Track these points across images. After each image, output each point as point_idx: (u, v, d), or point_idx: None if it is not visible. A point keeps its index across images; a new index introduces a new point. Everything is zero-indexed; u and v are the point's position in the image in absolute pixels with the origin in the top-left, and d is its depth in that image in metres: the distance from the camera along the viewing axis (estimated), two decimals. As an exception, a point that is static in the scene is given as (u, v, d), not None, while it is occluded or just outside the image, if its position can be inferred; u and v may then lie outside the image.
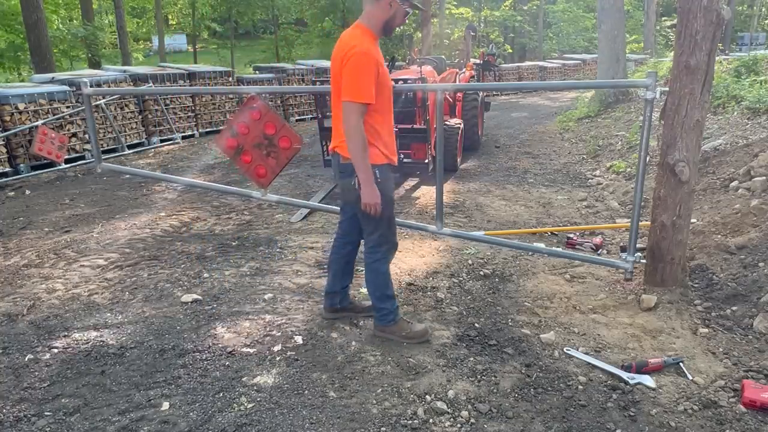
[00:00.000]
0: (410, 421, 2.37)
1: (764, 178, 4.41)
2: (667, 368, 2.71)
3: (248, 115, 3.83)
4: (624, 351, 2.90)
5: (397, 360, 2.83)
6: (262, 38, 33.58)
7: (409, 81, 6.04)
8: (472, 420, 2.38)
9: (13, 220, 5.63)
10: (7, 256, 4.52)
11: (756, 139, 5.67)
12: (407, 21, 2.89)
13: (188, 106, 10.88)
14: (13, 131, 7.51)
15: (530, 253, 4.29)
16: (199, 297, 3.61)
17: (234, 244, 4.69)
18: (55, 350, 3.00)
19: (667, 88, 3.27)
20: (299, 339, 3.05)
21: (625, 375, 2.64)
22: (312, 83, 12.12)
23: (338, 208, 4.45)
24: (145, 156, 9.39)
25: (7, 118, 7.56)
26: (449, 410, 2.44)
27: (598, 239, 4.43)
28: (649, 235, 3.51)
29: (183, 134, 10.66)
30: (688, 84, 3.13)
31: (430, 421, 2.37)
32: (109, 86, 9.22)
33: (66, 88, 8.43)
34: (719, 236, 3.87)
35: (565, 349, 2.91)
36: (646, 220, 3.96)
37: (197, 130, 11.11)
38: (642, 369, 2.67)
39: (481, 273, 3.94)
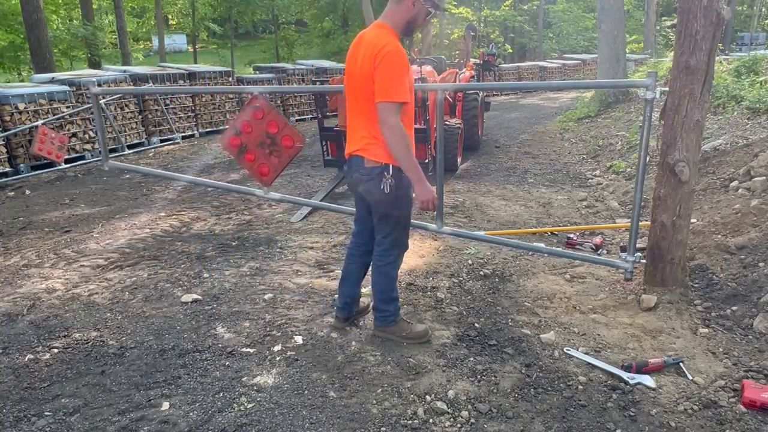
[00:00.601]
0: (410, 421, 2.37)
1: (764, 178, 4.41)
2: (667, 368, 2.71)
3: (251, 114, 3.86)
4: (624, 351, 2.90)
5: (397, 360, 2.83)
6: (262, 38, 33.60)
7: None
8: (472, 420, 2.38)
9: (13, 220, 5.63)
10: (7, 256, 4.52)
11: (756, 139, 5.67)
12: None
13: (188, 106, 10.88)
14: (13, 131, 7.51)
15: (530, 253, 4.30)
16: (199, 297, 3.61)
17: (234, 244, 4.70)
18: (55, 350, 3.00)
19: (667, 88, 3.27)
20: (299, 339, 3.05)
21: (625, 375, 2.64)
22: (312, 83, 12.12)
23: (339, 207, 4.45)
24: (145, 156, 9.39)
25: (7, 118, 7.56)
26: (449, 410, 2.44)
27: (598, 239, 4.43)
28: (649, 235, 3.51)
29: (183, 134, 10.67)
30: (688, 84, 3.13)
31: (430, 421, 2.37)
32: (110, 86, 9.22)
33: (66, 88, 8.43)
34: (719, 236, 3.87)
35: (565, 349, 2.91)
36: (646, 220, 3.96)
37: (197, 130, 11.12)
38: (642, 369, 2.67)
39: (481, 273, 3.94)
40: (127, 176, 7.72)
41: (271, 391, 2.59)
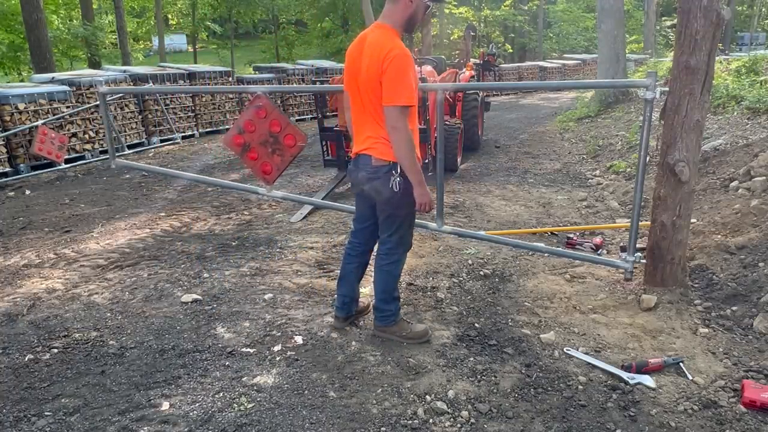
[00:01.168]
0: (410, 421, 2.37)
1: (764, 178, 4.41)
2: (667, 368, 2.71)
3: (254, 113, 3.90)
4: (624, 351, 2.90)
5: (397, 360, 2.83)
6: (262, 38, 33.58)
7: None
8: (472, 420, 2.38)
9: (13, 220, 5.63)
10: (7, 256, 4.52)
11: (756, 139, 5.67)
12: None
13: (188, 106, 10.88)
14: (13, 131, 7.51)
15: (530, 253, 4.30)
16: (199, 297, 3.61)
17: (234, 244, 4.70)
18: (55, 350, 3.00)
19: (667, 88, 3.27)
20: (299, 339, 3.05)
21: (625, 375, 2.64)
22: (312, 83, 12.11)
23: (341, 205, 4.45)
24: (145, 156, 9.39)
25: (7, 118, 7.56)
26: (449, 410, 2.44)
27: (598, 239, 4.43)
28: (649, 235, 3.51)
29: (183, 134, 10.67)
30: (688, 84, 3.13)
31: (430, 421, 2.37)
32: (110, 86, 9.23)
33: (66, 88, 8.43)
34: (719, 236, 3.87)
35: (565, 349, 2.91)
36: (646, 220, 3.96)
37: (197, 130, 11.12)
38: (642, 369, 2.67)
39: (481, 273, 3.94)
40: (127, 176, 7.72)
41: (271, 391, 2.59)
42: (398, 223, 2.82)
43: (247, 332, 3.15)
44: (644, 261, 3.51)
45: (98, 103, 8.76)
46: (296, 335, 3.09)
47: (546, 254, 4.22)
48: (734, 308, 3.15)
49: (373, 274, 3.03)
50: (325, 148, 6.67)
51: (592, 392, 2.56)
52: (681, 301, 3.32)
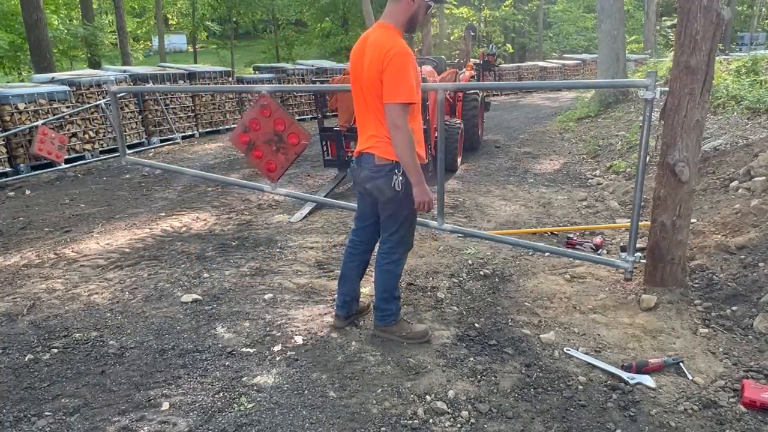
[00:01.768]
0: (410, 421, 2.37)
1: (764, 178, 4.41)
2: (667, 368, 2.71)
3: (259, 111, 3.99)
4: (624, 351, 2.90)
5: (397, 360, 2.83)
6: (262, 38, 33.57)
7: None
8: (472, 420, 2.38)
9: (13, 220, 5.63)
10: (7, 256, 4.52)
11: (756, 139, 5.67)
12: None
13: (188, 106, 10.88)
14: (13, 131, 7.51)
15: (530, 253, 4.30)
16: (199, 297, 3.61)
17: (234, 244, 4.70)
18: (55, 350, 3.00)
19: (667, 88, 3.27)
20: (299, 339, 3.05)
21: (625, 375, 2.64)
22: (312, 83, 12.11)
23: (344, 203, 4.46)
24: (145, 156, 9.39)
25: (7, 118, 7.56)
26: (449, 410, 2.44)
27: (598, 239, 4.43)
28: (649, 235, 3.51)
29: (183, 134, 10.67)
30: (688, 84, 3.13)
31: (430, 421, 2.37)
32: (109, 86, 9.22)
33: (66, 88, 8.43)
34: (719, 236, 3.87)
35: (565, 349, 2.91)
36: (646, 220, 3.96)
37: (197, 130, 11.11)
38: (642, 369, 2.67)
39: (481, 273, 3.94)
40: (127, 176, 7.72)
41: (271, 391, 2.59)
42: (399, 222, 2.83)
43: (247, 332, 3.15)
44: (644, 261, 3.51)
45: (98, 103, 8.79)
46: (296, 335, 3.09)
47: (546, 254, 4.23)
48: (734, 308, 3.15)
49: (373, 273, 3.04)
50: (325, 148, 6.67)
51: (592, 392, 2.56)
52: (681, 301, 3.32)
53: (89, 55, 18.00)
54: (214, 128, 11.48)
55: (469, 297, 3.58)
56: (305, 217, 5.40)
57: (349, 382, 2.65)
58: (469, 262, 4.14)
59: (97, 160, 8.72)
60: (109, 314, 3.42)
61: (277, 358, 2.86)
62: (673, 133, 3.23)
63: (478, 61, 10.03)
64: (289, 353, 2.91)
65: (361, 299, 3.24)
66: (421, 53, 12.48)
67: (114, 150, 9.12)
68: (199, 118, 11.18)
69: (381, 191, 2.74)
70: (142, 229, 5.17)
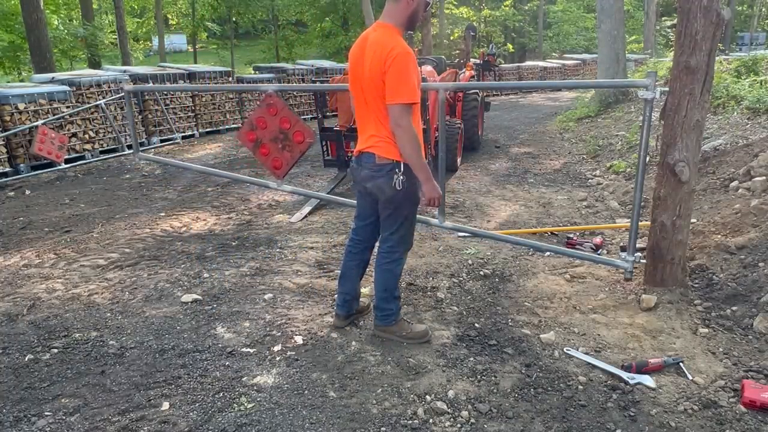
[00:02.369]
0: (410, 421, 2.37)
1: (764, 178, 4.41)
2: (667, 368, 2.71)
3: (266, 110, 4.09)
4: (624, 351, 2.90)
5: (397, 360, 2.83)
6: (262, 38, 33.57)
7: None
8: (472, 420, 2.38)
9: (13, 220, 5.63)
10: (7, 256, 4.52)
11: (756, 139, 5.67)
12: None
13: (188, 106, 10.88)
14: (13, 131, 7.51)
15: (530, 253, 4.30)
16: (199, 297, 3.61)
17: (234, 244, 4.70)
18: (55, 350, 3.00)
19: (667, 88, 3.27)
20: (299, 339, 3.05)
21: (625, 375, 2.64)
22: (312, 83, 12.11)
23: (345, 200, 4.47)
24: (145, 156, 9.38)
25: (7, 118, 7.56)
26: (449, 410, 2.44)
27: (598, 239, 4.43)
28: (649, 235, 3.51)
29: (183, 134, 10.66)
30: (688, 84, 3.13)
31: (430, 421, 2.37)
32: (109, 86, 9.24)
33: (66, 88, 8.43)
34: (719, 236, 3.87)
35: (565, 349, 2.91)
36: (646, 220, 3.96)
37: (197, 130, 11.11)
38: (642, 369, 2.67)
39: (481, 273, 3.94)
40: (127, 176, 7.72)
41: (271, 391, 2.59)
42: (400, 221, 2.83)
43: (247, 332, 3.15)
44: (644, 261, 3.51)
45: (98, 103, 8.78)
46: (296, 335, 3.09)
47: (546, 254, 4.23)
48: (734, 308, 3.15)
49: (373, 273, 3.04)
50: (325, 148, 6.67)
51: (592, 392, 2.56)
52: (681, 301, 3.32)
53: (89, 55, 18.00)
54: (214, 128, 11.47)
55: (469, 297, 3.58)
56: (305, 217, 5.40)
57: (349, 382, 2.65)
58: (469, 262, 4.14)
59: (97, 160, 8.72)
60: (109, 314, 3.42)
61: (277, 358, 2.86)
62: (673, 133, 3.23)
63: (478, 61, 10.03)
64: (289, 353, 2.91)
65: (361, 299, 3.24)
66: (421, 53, 12.47)
67: (114, 150, 9.12)
68: (199, 118, 11.17)
69: (381, 190, 2.74)
70: (142, 229, 5.17)
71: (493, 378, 2.67)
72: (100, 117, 8.96)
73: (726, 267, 3.49)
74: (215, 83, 11.57)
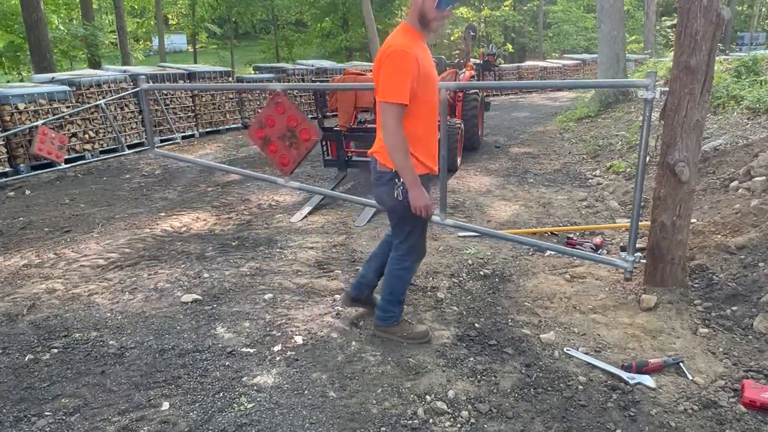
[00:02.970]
0: (410, 421, 2.37)
1: (764, 178, 4.41)
2: (667, 368, 2.71)
3: (274, 109, 4.19)
4: (624, 351, 2.90)
5: (397, 360, 2.83)
6: (262, 38, 33.57)
7: None
8: (472, 420, 2.38)
9: (13, 220, 5.63)
10: (7, 256, 4.52)
11: (756, 139, 5.67)
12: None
13: (188, 106, 10.88)
14: (13, 131, 7.51)
15: (530, 253, 4.30)
16: (199, 297, 3.61)
17: (234, 244, 4.70)
18: (55, 350, 3.00)
19: (667, 88, 3.27)
20: (299, 339, 3.05)
21: (625, 375, 2.64)
22: (312, 83, 12.11)
23: (350, 197, 4.50)
24: (145, 156, 9.38)
25: (7, 118, 7.56)
26: (449, 410, 2.44)
27: (598, 239, 4.43)
28: (649, 235, 3.51)
29: (183, 134, 10.66)
30: (688, 84, 3.13)
31: (430, 421, 2.37)
32: (109, 86, 9.25)
33: (66, 88, 8.43)
34: (719, 236, 3.87)
35: (565, 349, 2.91)
36: (646, 220, 3.96)
37: (197, 130, 11.11)
38: (642, 369, 2.67)
39: (481, 273, 3.94)
40: (127, 176, 7.72)
41: (271, 391, 2.59)
42: (407, 231, 2.77)
43: (247, 332, 3.15)
44: (644, 261, 3.51)
45: (98, 103, 8.78)
46: (296, 335, 3.09)
47: (546, 254, 4.23)
48: (734, 308, 3.15)
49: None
50: (325, 148, 6.67)
51: (592, 392, 2.56)
52: (681, 301, 3.32)
53: (89, 55, 17.99)
54: (214, 128, 11.47)
55: (469, 297, 3.58)
56: (305, 217, 5.40)
57: (349, 382, 2.65)
58: (469, 262, 4.14)
59: (97, 160, 8.72)
60: (109, 314, 3.42)
61: (277, 358, 2.86)
62: (673, 133, 3.23)
63: (478, 61, 10.03)
64: (289, 353, 2.91)
65: (375, 295, 3.22)
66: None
67: (114, 150, 9.12)
68: (199, 118, 11.17)
69: (382, 201, 2.73)
70: (142, 229, 5.17)
71: (493, 378, 2.67)
72: (100, 117, 8.96)
73: (726, 267, 3.49)
74: (215, 83, 11.57)
